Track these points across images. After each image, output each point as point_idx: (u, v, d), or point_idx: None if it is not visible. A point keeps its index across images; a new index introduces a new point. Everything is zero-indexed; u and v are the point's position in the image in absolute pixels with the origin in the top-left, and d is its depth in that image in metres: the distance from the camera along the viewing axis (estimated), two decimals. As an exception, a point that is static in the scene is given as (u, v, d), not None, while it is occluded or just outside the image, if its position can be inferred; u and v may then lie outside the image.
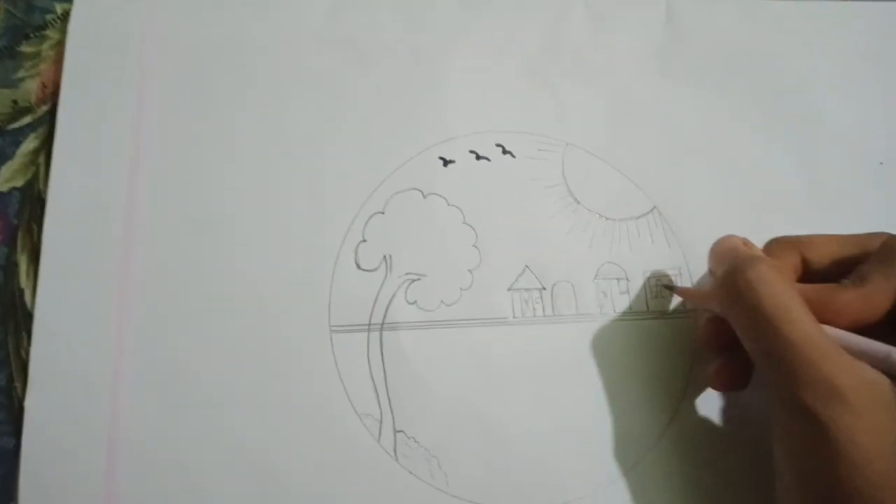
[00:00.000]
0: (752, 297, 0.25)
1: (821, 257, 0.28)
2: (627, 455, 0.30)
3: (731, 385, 0.29)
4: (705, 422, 0.31)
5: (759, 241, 0.30)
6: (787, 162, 0.35)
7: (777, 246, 0.28)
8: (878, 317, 0.25)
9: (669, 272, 0.33)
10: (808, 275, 0.28)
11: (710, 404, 0.31)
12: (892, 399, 0.22)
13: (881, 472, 0.21)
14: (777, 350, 0.24)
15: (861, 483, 0.22)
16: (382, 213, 0.32)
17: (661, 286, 0.32)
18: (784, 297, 0.24)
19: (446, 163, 0.33)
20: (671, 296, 0.32)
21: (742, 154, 0.35)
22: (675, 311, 0.32)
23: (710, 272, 0.30)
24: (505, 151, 0.34)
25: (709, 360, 0.30)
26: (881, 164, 0.36)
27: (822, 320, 0.25)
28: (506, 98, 0.35)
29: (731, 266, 0.26)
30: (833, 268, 0.27)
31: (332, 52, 0.34)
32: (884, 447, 0.22)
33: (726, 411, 0.31)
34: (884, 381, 0.23)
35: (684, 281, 0.33)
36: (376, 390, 0.30)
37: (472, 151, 0.33)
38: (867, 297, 0.25)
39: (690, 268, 0.33)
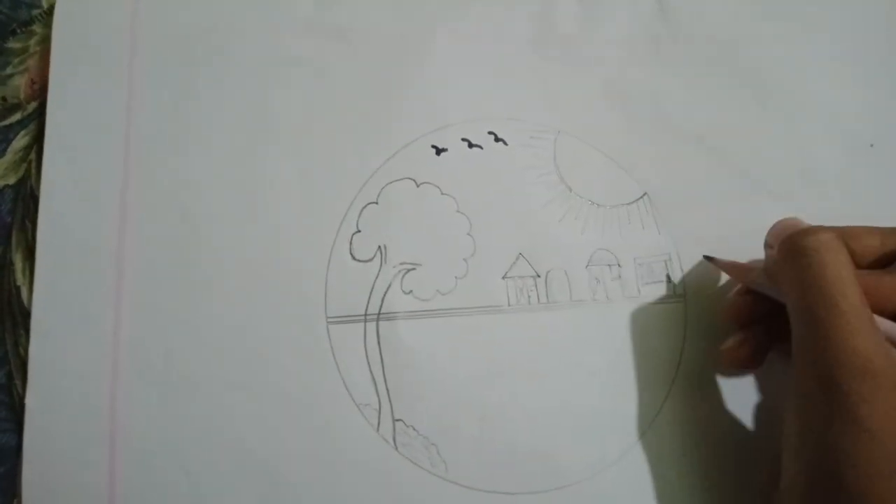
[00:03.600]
0: (815, 259, 0.25)
1: (864, 249, 0.27)
2: (623, 437, 0.30)
3: (745, 362, 0.29)
4: (697, 401, 0.31)
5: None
6: (777, 147, 0.35)
7: None
8: None
9: (659, 258, 0.33)
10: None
11: (701, 384, 0.31)
12: None
13: (894, 449, 0.22)
14: (824, 315, 0.24)
15: (873, 455, 0.22)
16: (376, 203, 0.32)
17: (703, 256, 0.32)
18: (844, 268, 0.25)
19: (439, 151, 0.33)
20: (663, 280, 0.33)
21: (732, 140, 0.35)
22: (666, 296, 0.32)
23: (767, 246, 0.30)
24: (497, 139, 0.34)
25: (727, 336, 0.30)
26: (872, 146, 0.36)
27: None
28: (497, 85, 0.34)
29: (800, 230, 0.27)
30: (877, 260, 0.27)
31: (321, 41, 0.34)
32: None
33: (716, 390, 0.31)
34: None
35: (673, 267, 0.33)
36: (374, 380, 0.30)
37: (464, 139, 0.33)
38: None
39: (680, 253, 0.33)
